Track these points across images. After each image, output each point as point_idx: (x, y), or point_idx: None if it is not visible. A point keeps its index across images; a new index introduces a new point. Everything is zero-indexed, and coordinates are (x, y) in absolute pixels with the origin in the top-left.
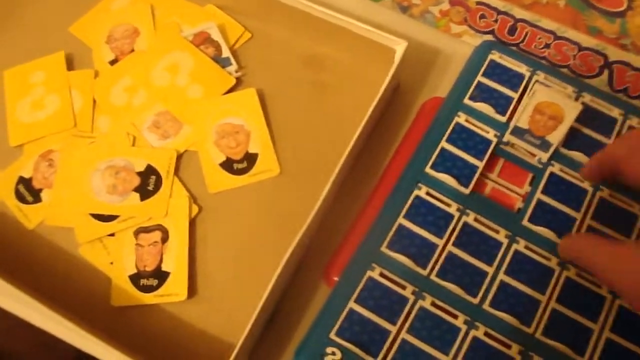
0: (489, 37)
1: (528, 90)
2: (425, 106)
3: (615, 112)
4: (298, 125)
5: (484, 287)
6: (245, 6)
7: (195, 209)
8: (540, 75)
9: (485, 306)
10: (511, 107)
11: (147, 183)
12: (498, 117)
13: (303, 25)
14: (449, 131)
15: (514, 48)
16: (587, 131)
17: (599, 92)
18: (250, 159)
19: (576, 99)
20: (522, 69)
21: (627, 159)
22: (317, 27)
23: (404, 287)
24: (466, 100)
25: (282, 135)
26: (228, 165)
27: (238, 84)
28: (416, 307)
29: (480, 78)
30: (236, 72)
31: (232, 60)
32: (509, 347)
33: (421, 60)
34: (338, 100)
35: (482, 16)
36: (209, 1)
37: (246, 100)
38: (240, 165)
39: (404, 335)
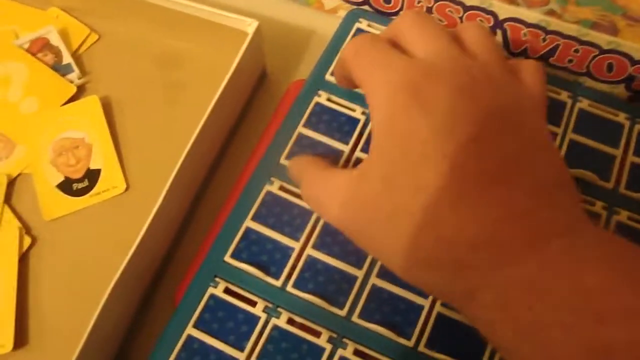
0: (366, 9)
1: None
2: (289, 91)
3: None
4: (149, 133)
5: (352, 295)
6: (93, 5)
7: (27, 241)
8: None
9: (355, 318)
10: None
11: None
12: None
13: (155, 21)
14: (307, 114)
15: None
16: None
17: None
18: (92, 176)
19: None
20: None
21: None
22: (170, 21)
23: (254, 304)
24: (328, 77)
25: (130, 146)
26: (67, 186)
27: (81, 92)
28: (269, 326)
29: None
30: (79, 79)
31: (74, 67)
32: None
33: (294, 43)
34: (195, 100)
35: None
36: (52, 4)
37: (88, 109)
38: (80, 185)
39: None
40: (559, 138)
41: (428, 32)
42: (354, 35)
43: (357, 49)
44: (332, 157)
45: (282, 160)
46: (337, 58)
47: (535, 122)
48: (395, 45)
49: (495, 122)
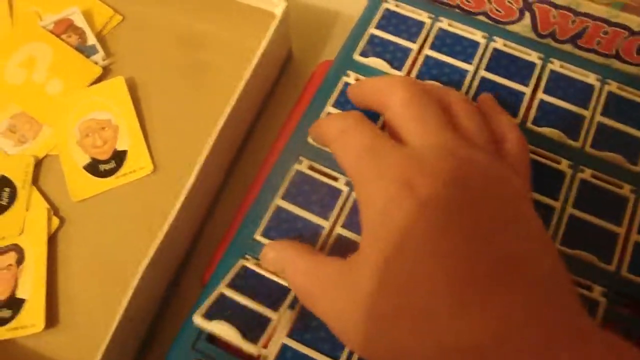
0: None
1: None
2: (316, 71)
3: (533, 56)
4: (175, 114)
5: None
6: None
7: (55, 221)
8: (444, 22)
9: None
10: (410, 60)
11: (0, 197)
12: (395, 72)
13: (181, 2)
14: (336, 94)
15: None
16: (500, 80)
17: (513, 36)
18: (119, 157)
19: (486, 45)
20: (423, 16)
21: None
22: (196, 1)
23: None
24: (356, 57)
25: (157, 127)
26: (93, 167)
27: (106, 73)
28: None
29: (372, 30)
30: (103, 60)
31: (99, 48)
32: None
33: (320, 24)
34: (220, 81)
35: None
36: None
37: (113, 90)
38: (107, 166)
39: (286, 340)
40: (586, 122)
41: (423, 120)
42: (382, 16)
43: (343, 128)
44: (309, 239)
45: (310, 140)
46: (316, 123)
47: (526, 209)
48: (383, 125)
49: (488, 220)
